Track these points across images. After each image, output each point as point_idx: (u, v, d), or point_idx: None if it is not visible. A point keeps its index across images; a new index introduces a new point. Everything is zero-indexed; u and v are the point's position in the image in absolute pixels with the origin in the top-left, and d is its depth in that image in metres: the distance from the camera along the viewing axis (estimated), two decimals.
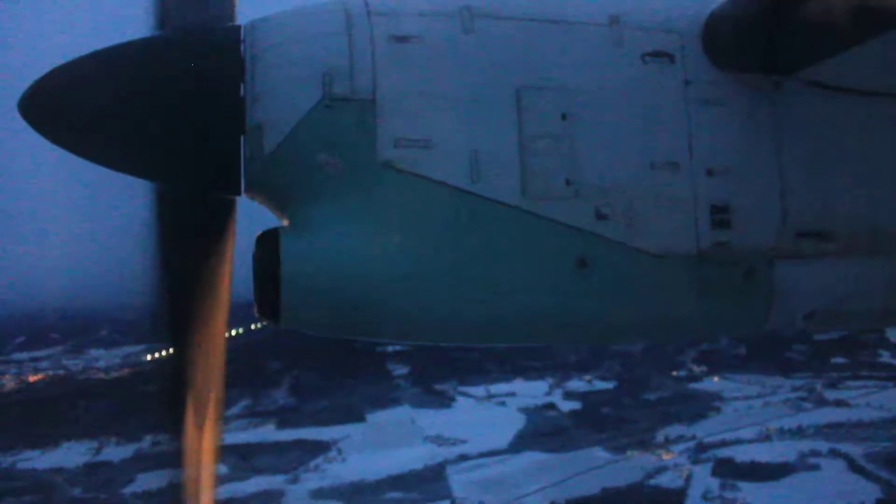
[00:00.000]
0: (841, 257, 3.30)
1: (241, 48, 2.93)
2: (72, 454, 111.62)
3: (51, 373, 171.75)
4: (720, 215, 3.11)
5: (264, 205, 3.10)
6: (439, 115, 2.94)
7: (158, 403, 3.13)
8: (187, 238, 2.98)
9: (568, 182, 2.98)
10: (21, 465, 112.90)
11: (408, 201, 2.92)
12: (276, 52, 2.91)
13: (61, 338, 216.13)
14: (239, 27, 3.01)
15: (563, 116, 3.00)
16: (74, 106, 2.86)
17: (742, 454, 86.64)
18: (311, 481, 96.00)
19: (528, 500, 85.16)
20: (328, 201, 2.89)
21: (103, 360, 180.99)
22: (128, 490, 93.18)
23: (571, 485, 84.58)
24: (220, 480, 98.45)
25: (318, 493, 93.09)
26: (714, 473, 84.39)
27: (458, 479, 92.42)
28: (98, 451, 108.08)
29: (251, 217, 3.31)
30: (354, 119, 2.89)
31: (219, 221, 3.06)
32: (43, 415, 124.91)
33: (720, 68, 3.19)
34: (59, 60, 2.88)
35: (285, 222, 3.02)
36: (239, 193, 3.03)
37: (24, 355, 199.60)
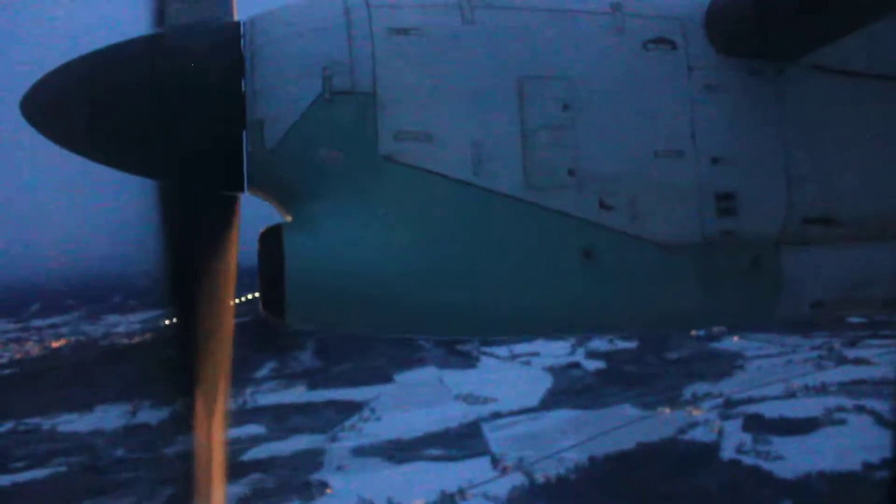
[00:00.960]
0: (848, 244, 3.24)
1: (242, 44, 2.92)
2: (109, 417, 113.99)
3: (73, 338, 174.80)
4: (725, 203, 3.08)
5: (267, 201, 3.09)
6: (440, 107, 2.93)
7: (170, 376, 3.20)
8: (192, 236, 2.96)
9: (571, 172, 2.96)
10: (62, 429, 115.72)
11: (410, 195, 2.91)
12: (275, 47, 2.90)
13: (76, 304, 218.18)
14: (239, 23, 3.01)
15: (565, 106, 2.97)
16: (75, 105, 2.88)
17: (770, 410, 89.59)
18: (349, 440, 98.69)
19: (567, 455, 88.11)
20: (330, 196, 2.89)
21: (122, 325, 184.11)
22: (170, 451, 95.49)
23: (607, 440, 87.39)
24: (258, 441, 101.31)
25: (359, 451, 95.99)
26: (745, 429, 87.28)
27: (494, 436, 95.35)
28: (134, 413, 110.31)
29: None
30: (355, 113, 2.87)
31: (223, 219, 3.04)
32: (74, 379, 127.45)
33: (723, 54, 3.15)
34: (57, 61, 2.89)
35: (288, 218, 3.01)
36: (242, 190, 3.01)
37: (43, 322, 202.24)
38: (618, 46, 3.10)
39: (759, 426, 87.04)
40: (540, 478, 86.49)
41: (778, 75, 3.18)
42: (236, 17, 3.04)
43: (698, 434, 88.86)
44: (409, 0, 3.06)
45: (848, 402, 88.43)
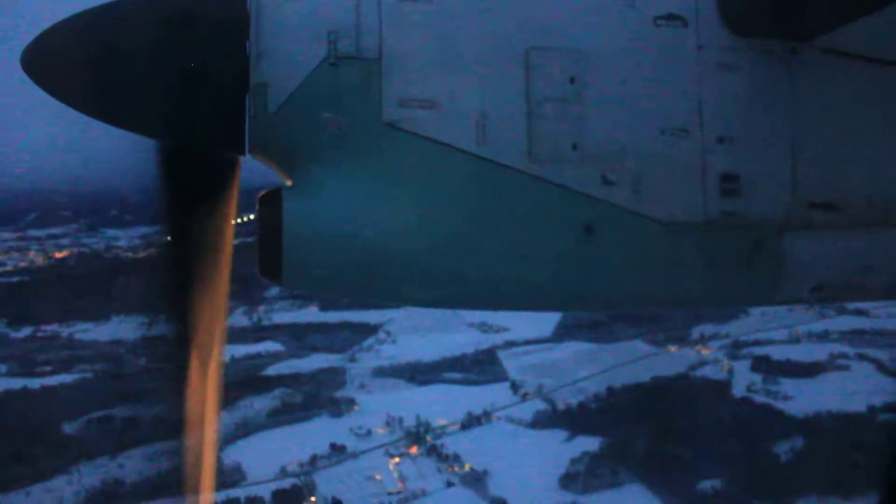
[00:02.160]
0: (852, 229, 3.23)
1: (248, 5, 2.86)
2: (126, 328, 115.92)
3: (76, 250, 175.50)
4: (730, 184, 3.06)
5: (267, 164, 3.06)
6: (446, 75, 2.90)
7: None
8: (191, 197, 2.97)
9: (575, 146, 2.93)
10: (80, 336, 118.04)
11: (412, 162, 2.89)
12: (281, 9, 2.85)
13: (73, 216, 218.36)
14: None
15: (572, 80, 2.94)
16: (77, 61, 2.83)
17: (776, 353, 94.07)
18: (368, 360, 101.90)
19: (584, 384, 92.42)
20: (332, 161, 2.87)
21: (123, 240, 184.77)
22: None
23: (621, 372, 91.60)
24: (279, 357, 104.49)
25: (379, 372, 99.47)
26: (753, 369, 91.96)
27: (510, 364, 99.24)
28: (150, 326, 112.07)
29: None
30: (359, 78, 2.84)
31: (222, 180, 3.04)
32: (85, 290, 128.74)
33: (735, 33, 3.09)
34: (61, 15, 2.84)
35: (288, 182, 2.99)
36: (243, 153, 2.96)
37: (40, 232, 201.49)
38: (627, 21, 3.05)
39: (766, 367, 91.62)
40: (560, 404, 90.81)
41: (790, 56, 3.12)
42: None
43: (708, 371, 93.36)
44: None
45: (849, 350, 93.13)
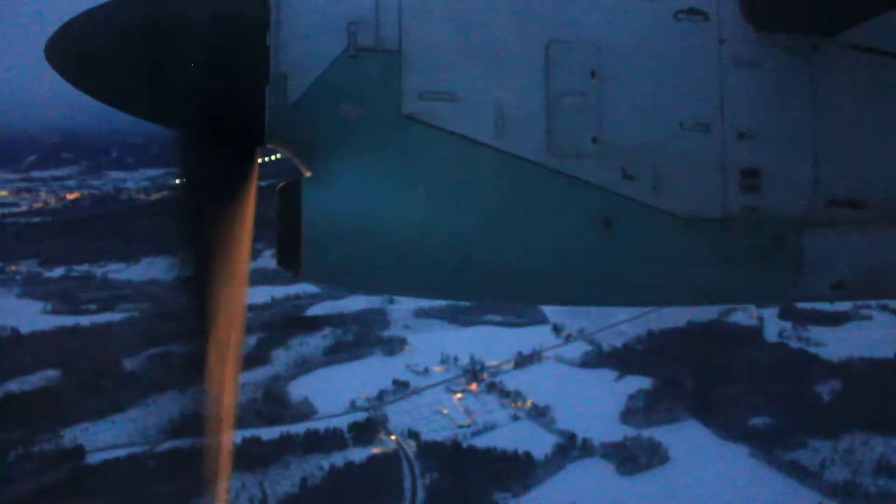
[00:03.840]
0: (873, 227, 3.16)
1: None
2: (156, 268, 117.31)
3: (86, 192, 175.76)
4: (750, 179, 3.01)
5: (287, 155, 3.03)
6: (465, 68, 2.87)
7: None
8: (210, 185, 2.91)
9: (595, 140, 2.91)
10: (114, 276, 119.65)
11: (431, 155, 2.87)
12: (301, 1, 2.84)
13: (74, 158, 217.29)
14: None
15: (593, 73, 2.91)
16: (100, 52, 2.82)
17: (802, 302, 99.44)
18: (407, 302, 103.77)
19: (623, 327, 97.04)
20: (351, 153, 2.86)
21: (130, 181, 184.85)
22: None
23: (656, 317, 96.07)
24: (317, 298, 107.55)
25: (420, 314, 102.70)
26: (781, 317, 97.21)
27: (548, 308, 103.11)
28: (182, 266, 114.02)
29: None
30: (379, 70, 2.83)
31: (241, 169, 2.99)
32: (108, 231, 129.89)
33: (756, 28, 3.03)
34: (84, 6, 2.87)
35: (308, 173, 2.96)
36: (263, 143, 2.93)
37: (43, 174, 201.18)
38: (648, 15, 3.02)
39: (793, 316, 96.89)
40: (605, 346, 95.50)
41: (812, 52, 3.08)
42: None
43: (739, 318, 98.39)
44: None
45: (872, 300, 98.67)
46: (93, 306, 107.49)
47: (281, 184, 3.02)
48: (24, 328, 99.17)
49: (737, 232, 3.05)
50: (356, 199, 2.87)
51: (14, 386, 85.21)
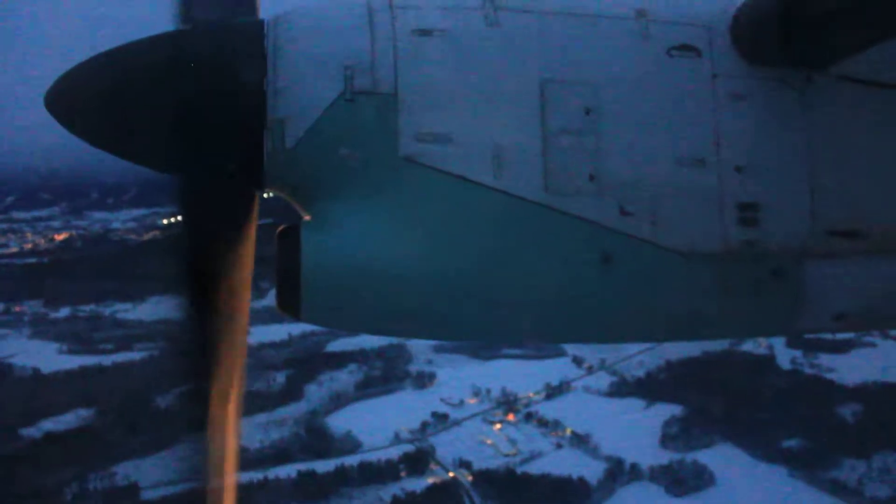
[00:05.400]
0: (873, 257, 3.16)
1: (265, 43, 2.89)
2: (164, 308, 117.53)
3: (74, 233, 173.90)
4: (748, 213, 3.01)
5: (286, 199, 3.04)
6: (462, 109, 2.90)
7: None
8: (209, 230, 2.94)
9: (592, 178, 2.92)
10: (123, 317, 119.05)
11: (429, 196, 2.87)
12: (298, 46, 2.89)
13: (53, 199, 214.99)
14: (262, 22, 2.98)
15: (588, 111, 2.94)
16: (98, 101, 2.86)
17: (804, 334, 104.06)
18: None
19: (641, 357, 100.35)
20: (350, 196, 2.87)
21: (116, 222, 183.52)
22: (250, 340, 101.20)
23: (669, 348, 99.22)
24: (333, 336, 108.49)
25: (439, 349, 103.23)
26: (788, 346, 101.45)
27: None
28: (190, 307, 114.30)
29: None
30: (376, 113, 2.85)
31: (241, 214, 3.02)
32: (103, 272, 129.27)
33: (749, 62, 3.08)
34: (82, 57, 2.93)
35: (307, 217, 2.96)
36: (261, 187, 2.96)
37: (25, 214, 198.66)
38: (641, 52, 3.05)
39: (800, 344, 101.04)
40: (628, 376, 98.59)
41: (805, 84, 3.11)
42: (260, 16, 3.04)
43: (749, 347, 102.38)
44: (432, 1, 3.05)
45: (873, 330, 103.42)
46: (109, 346, 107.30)
47: (280, 227, 3.02)
48: (45, 368, 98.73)
49: (736, 265, 3.04)
50: (355, 241, 2.87)
51: (50, 425, 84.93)
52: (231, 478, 3.02)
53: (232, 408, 3.02)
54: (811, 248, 3.08)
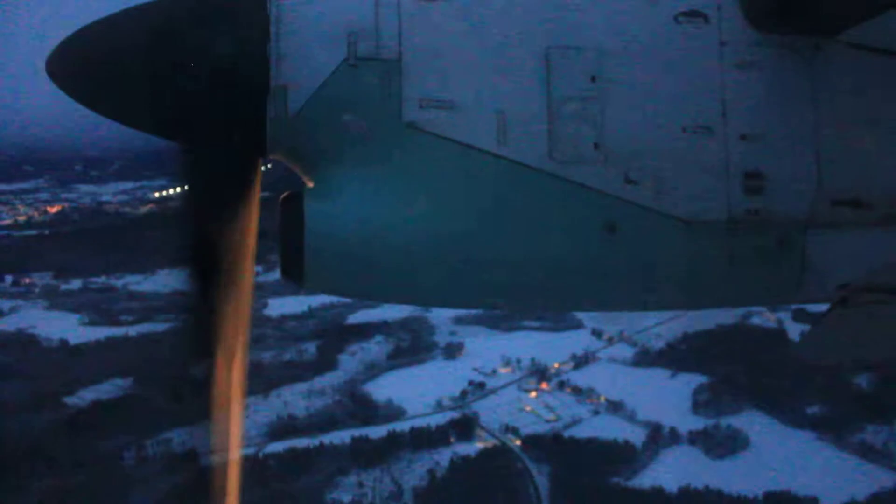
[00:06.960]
0: (878, 227, 3.13)
1: (268, 8, 2.84)
2: (175, 279, 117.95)
3: (66, 205, 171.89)
4: (753, 182, 2.98)
5: (289, 165, 3.05)
6: (466, 75, 2.88)
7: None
8: (212, 197, 2.94)
9: (597, 146, 2.89)
10: (136, 288, 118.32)
11: (432, 163, 2.87)
12: (301, 11, 2.85)
13: (36, 171, 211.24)
14: None
15: (593, 78, 2.90)
16: (100, 66, 2.84)
17: (811, 306, 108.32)
18: (443, 309, 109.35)
19: (656, 329, 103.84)
20: (353, 162, 2.87)
21: (106, 195, 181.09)
22: (266, 312, 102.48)
23: (688, 320, 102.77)
24: (352, 308, 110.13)
25: (460, 321, 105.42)
26: (794, 319, 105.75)
27: (583, 313, 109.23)
28: (200, 278, 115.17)
29: None
30: (379, 79, 2.83)
31: (244, 181, 2.99)
32: (106, 244, 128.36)
33: (757, 29, 3.02)
34: (83, 21, 2.88)
35: (310, 184, 2.97)
36: (264, 154, 2.94)
37: (10, 186, 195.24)
38: (648, 18, 3.00)
39: (806, 318, 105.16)
40: (648, 347, 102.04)
41: (814, 52, 3.05)
42: None
43: (758, 321, 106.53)
44: None
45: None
46: (129, 317, 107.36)
47: (283, 194, 3.02)
48: (72, 340, 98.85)
49: (741, 234, 3.01)
50: (358, 208, 2.87)
51: (92, 395, 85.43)
52: (235, 450, 3.15)
53: (237, 377, 3.10)
54: (816, 218, 3.07)
